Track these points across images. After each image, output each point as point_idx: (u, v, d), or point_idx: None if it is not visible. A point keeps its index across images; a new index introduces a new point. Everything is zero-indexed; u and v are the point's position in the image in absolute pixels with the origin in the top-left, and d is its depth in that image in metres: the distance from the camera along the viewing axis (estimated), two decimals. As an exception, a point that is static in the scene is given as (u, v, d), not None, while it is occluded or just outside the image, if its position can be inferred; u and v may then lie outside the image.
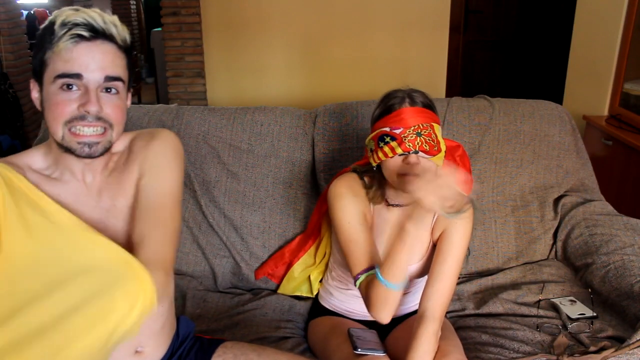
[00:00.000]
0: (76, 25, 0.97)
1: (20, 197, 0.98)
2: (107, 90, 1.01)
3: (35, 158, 1.09)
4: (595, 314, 1.51)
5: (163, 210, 1.10)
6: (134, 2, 7.41)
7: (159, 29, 4.24)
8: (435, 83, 3.83)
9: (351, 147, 1.80)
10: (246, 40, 3.74)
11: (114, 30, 1.00)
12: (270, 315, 1.61)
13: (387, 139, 1.23)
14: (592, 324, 1.47)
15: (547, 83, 4.27)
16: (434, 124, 1.25)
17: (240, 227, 1.76)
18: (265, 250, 1.76)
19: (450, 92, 3.98)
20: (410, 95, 1.25)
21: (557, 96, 3.05)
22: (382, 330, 1.45)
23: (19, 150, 3.86)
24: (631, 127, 2.55)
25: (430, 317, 1.28)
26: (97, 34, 0.98)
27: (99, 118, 1.00)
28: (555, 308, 1.56)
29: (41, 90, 1.02)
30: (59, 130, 0.99)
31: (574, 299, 1.59)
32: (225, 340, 1.24)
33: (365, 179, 1.36)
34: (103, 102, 1.00)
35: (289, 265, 1.70)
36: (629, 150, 2.47)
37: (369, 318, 1.49)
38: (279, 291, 1.72)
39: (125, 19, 7.19)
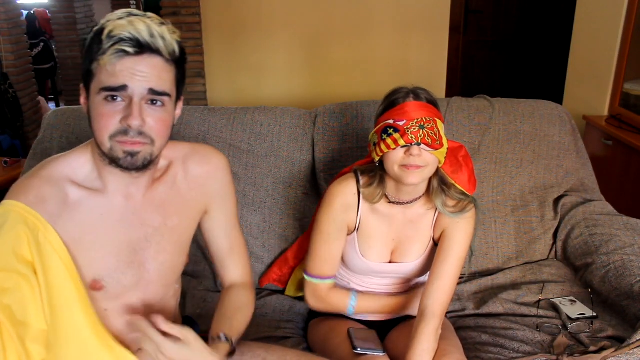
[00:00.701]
0: (121, 40, 0.94)
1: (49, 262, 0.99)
2: (153, 102, 0.99)
3: (76, 164, 1.06)
4: (595, 314, 1.51)
5: (236, 232, 1.26)
6: (134, 2, 7.41)
7: (159, 29, 4.24)
8: (435, 83, 3.83)
9: (351, 147, 1.80)
10: (246, 40, 3.74)
11: (160, 44, 0.97)
12: (270, 315, 1.61)
13: (390, 131, 1.24)
14: (592, 324, 1.47)
15: (547, 83, 4.27)
16: (437, 119, 1.26)
17: (240, 227, 1.76)
18: (265, 250, 1.76)
19: (450, 92, 3.98)
20: (414, 92, 1.27)
21: (557, 96, 3.05)
22: (382, 330, 1.45)
23: (19, 150, 3.86)
24: (631, 127, 2.55)
25: (430, 315, 1.29)
26: (142, 48, 0.95)
27: (140, 133, 0.97)
28: (555, 308, 1.56)
29: (88, 98, 1.01)
30: (106, 143, 0.98)
31: (574, 299, 1.59)
32: None
33: (365, 178, 1.36)
34: (146, 115, 0.98)
35: (294, 268, 1.70)
36: (629, 150, 2.47)
37: (369, 318, 1.49)
38: (286, 293, 1.71)
39: (125, 19, 7.16)
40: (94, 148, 1.04)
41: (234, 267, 1.26)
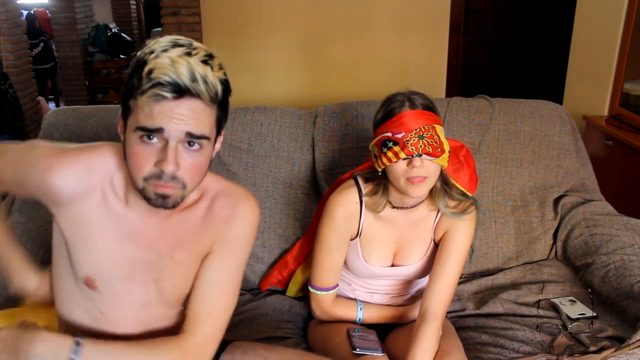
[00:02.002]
0: (160, 84, 0.89)
1: None
2: (190, 144, 0.95)
3: (115, 166, 1.05)
4: (595, 314, 1.51)
5: (223, 296, 1.09)
6: (134, 2, 7.41)
7: (159, 29, 4.24)
8: (435, 83, 3.83)
9: (351, 147, 1.80)
10: (246, 40, 3.74)
11: (202, 88, 0.91)
12: (270, 315, 1.60)
13: (390, 144, 1.23)
14: (592, 324, 1.47)
15: (547, 83, 4.27)
16: (435, 125, 1.25)
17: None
18: (265, 250, 1.76)
19: (450, 92, 3.98)
20: (410, 99, 1.25)
21: (557, 96, 3.05)
22: (382, 330, 1.45)
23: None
24: (631, 127, 2.55)
25: (431, 316, 1.29)
26: (182, 93, 0.91)
27: (173, 178, 0.94)
28: (555, 308, 1.56)
29: (125, 130, 0.98)
30: (139, 183, 0.96)
31: (574, 299, 1.59)
32: (232, 340, 1.23)
33: (369, 187, 1.36)
34: (181, 159, 0.94)
35: (294, 271, 1.70)
36: (629, 150, 2.47)
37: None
38: (286, 294, 1.71)
39: (125, 19, 7.18)
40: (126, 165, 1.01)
41: (195, 328, 1.06)
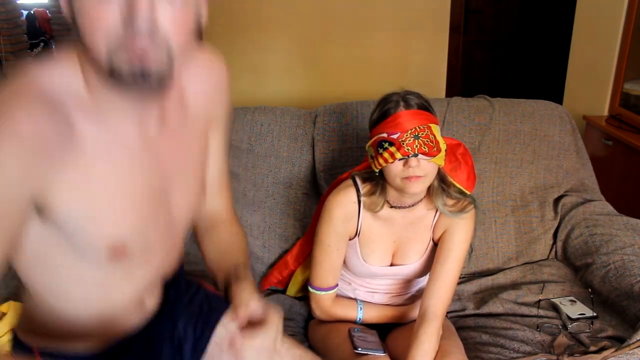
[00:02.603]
0: None
1: None
2: None
3: (70, 78, 0.74)
4: (595, 314, 1.51)
5: (225, 155, 1.06)
6: (134, 2, 7.42)
7: (159, 29, 4.24)
8: (435, 83, 3.83)
9: (351, 147, 1.80)
10: (246, 40, 3.74)
11: None
12: (271, 315, 1.60)
13: (386, 145, 1.23)
14: (592, 324, 1.47)
15: (547, 83, 4.27)
16: (431, 124, 1.24)
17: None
18: (266, 250, 1.76)
19: (450, 92, 3.98)
20: (404, 98, 1.25)
21: (557, 96, 3.05)
22: (383, 330, 1.45)
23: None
24: (631, 127, 2.55)
25: (431, 316, 1.29)
26: None
27: (151, 32, 0.67)
28: (555, 308, 1.56)
29: None
30: (102, 52, 0.67)
31: (574, 299, 1.59)
32: None
33: (367, 186, 1.36)
34: (159, 6, 0.68)
35: (294, 271, 1.70)
36: (629, 150, 2.47)
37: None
38: (286, 293, 1.71)
39: (125, 19, 7.17)
40: (83, 58, 0.73)
41: (221, 197, 1.07)
